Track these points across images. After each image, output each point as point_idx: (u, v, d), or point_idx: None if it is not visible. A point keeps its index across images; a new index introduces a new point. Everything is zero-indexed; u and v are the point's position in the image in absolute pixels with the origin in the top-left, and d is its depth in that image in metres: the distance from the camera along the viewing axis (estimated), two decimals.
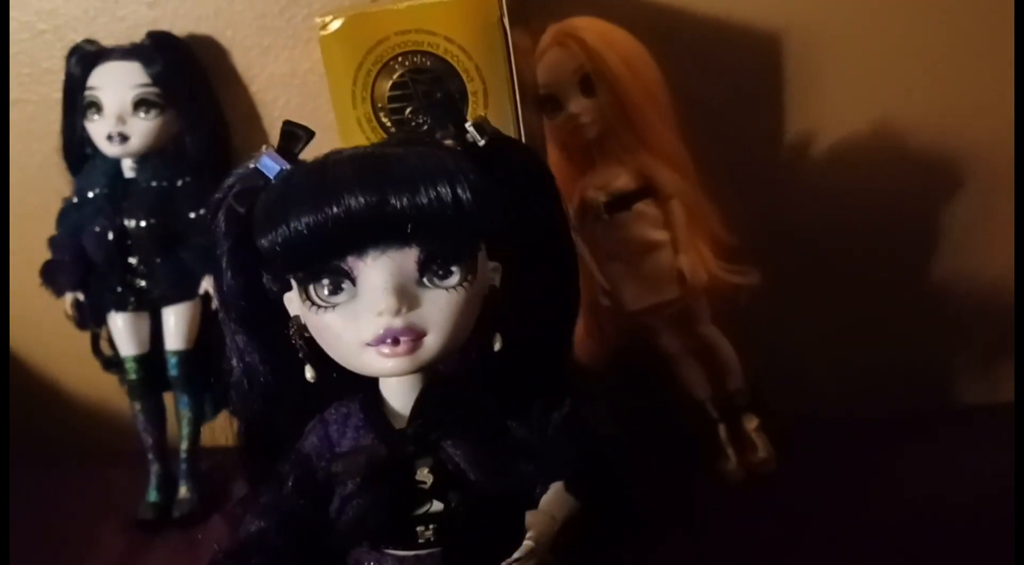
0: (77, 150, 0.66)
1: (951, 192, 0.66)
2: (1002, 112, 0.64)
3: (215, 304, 0.64)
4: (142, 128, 0.63)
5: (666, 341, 0.64)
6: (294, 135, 0.37)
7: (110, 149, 0.63)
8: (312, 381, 0.37)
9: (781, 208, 0.66)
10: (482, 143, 0.37)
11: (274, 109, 0.68)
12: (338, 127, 0.47)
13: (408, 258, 0.34)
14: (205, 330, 0.66)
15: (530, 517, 0.35)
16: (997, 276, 0.67)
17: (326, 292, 0.35)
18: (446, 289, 0.35)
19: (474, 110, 0.47)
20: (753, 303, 0.62)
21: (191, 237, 0.64)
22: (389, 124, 0.47)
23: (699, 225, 0.61)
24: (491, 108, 0.47)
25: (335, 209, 0.33)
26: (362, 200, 0.33)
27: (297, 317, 0.36)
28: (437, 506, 0.36)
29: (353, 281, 0.34)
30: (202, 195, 0.64)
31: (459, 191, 0.34)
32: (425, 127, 0.47)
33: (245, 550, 0.37)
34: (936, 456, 0.62)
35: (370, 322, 0.34)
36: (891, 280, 0.68)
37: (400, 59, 0.46)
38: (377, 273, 0.34)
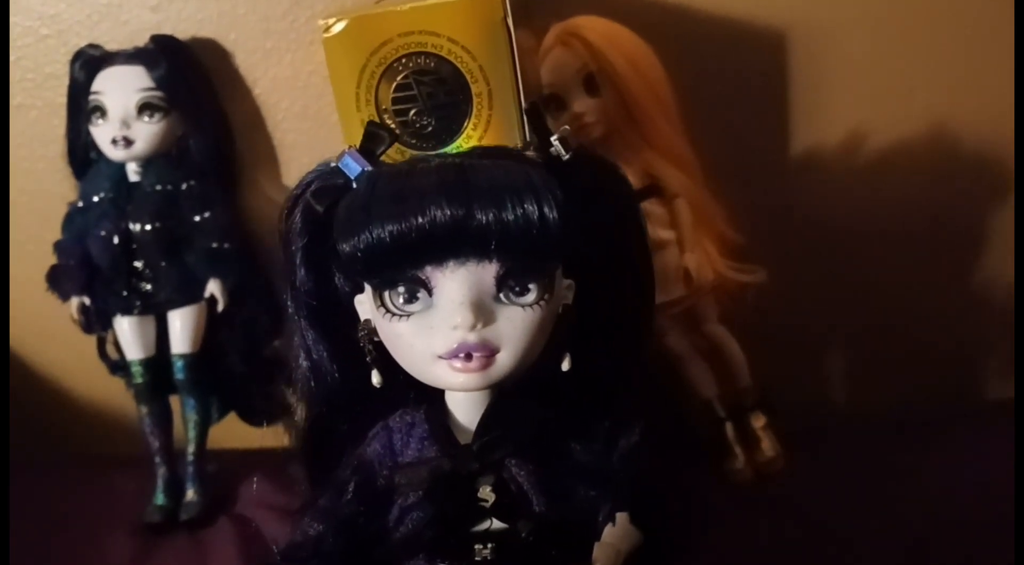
0: (82, 155, 0.66)
1: (957, 190, 0.66)
2: (1006, 111, 0.63)
3: (220, 307, 0.65)
4: (146, 132, 0.63)
5: (673, 340, 0.63)
6: (377, 136, 0.37)
7: (115, 153, 0.63)
8: (379, 387, 0.36)
9: (787, 206, 0.66)
10: (566, 157, 0.36)
11: (278, 112, 0.68)
12: (343, 130, 0.47)
13: (487, 272, 0.34)
14: (211, 333, 0.66)
15: (597, 550, 0.34)
16: (1002, 273, 0.67)
17: (401, 300, 0.34)
18: (522, 306, 0.34)
19: (479, 112, 0.46)
20: (760, 301, 0.62)
21: (196, 240, 0.64)
22: (394, 126, 0.47)
23: (705, 224, 0.61)
24: (495, 109, 0.46)
25: (419, 219, 0.32)
26: (448, 212, 0.32)
27: (368, 321, 0.36)
28: (497, 525, 0.35)
29: (429, 291, 0.34)
30: (206, 198, 0.64)
31: (545, 209, 0.33)
32: (430, 129, 0.47)
33: (301, 553, 0.36)
34: (945, 453, 0.62)
35: (444, 335, 0.34)
36: (897, 277, 0.68)
37: (404, 61, 0.46)
38: (455, 286, 0.34)
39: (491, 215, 0.33)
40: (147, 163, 0.64)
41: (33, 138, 0.70)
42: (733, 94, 0.64)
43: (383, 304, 0.35)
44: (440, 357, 0.34)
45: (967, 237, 0.67)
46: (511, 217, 0.33)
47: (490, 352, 0.34)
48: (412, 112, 0.47)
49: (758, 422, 0.63)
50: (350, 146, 0.36)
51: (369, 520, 0.36)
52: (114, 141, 0.62)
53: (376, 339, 0.36)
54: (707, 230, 0.61)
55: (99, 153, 0.64)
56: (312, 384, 0.38)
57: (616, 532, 0.35)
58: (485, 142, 0.47)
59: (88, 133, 0.64)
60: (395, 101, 0.47)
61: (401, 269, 0.34)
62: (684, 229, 0.60)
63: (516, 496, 0.35)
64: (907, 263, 0.68)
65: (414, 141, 0.47)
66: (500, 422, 0.36)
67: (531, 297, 0.34)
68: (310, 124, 0.67)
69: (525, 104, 0.38)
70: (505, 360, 0.34)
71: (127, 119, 0.62)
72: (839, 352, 0.70)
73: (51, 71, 0.68)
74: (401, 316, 0.34)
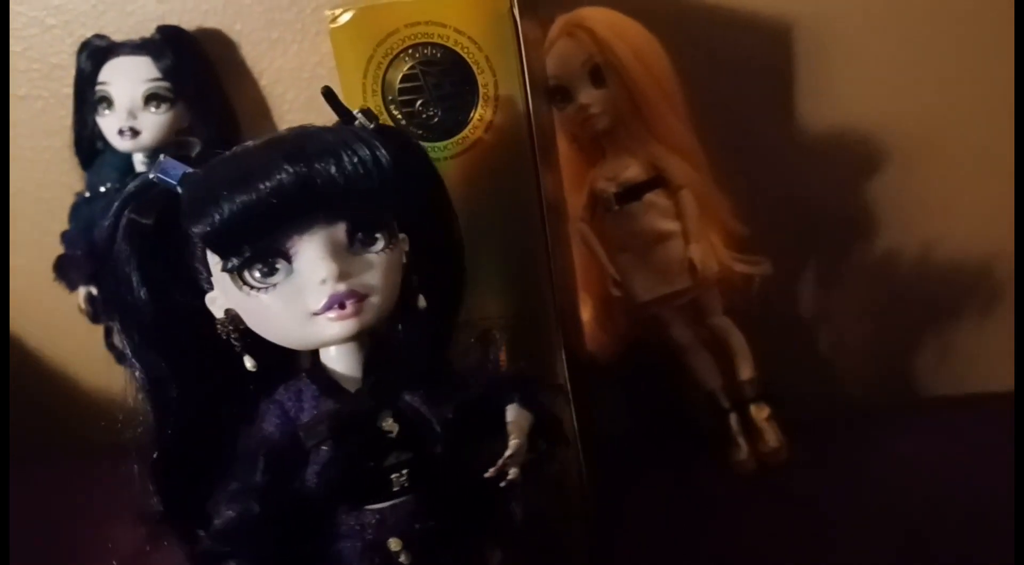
0: (88, 145, 0.66)
1: (962, 183, 0.66)
2: (1010, 105, 0.63)
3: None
4: (153, 122, 0.63)
5: (677, 332, 0.64)
6: (187, 143, 0.38)
7: (121, 144, 0.63)
8: (254, 369, 0.38)
9: (792, 198, 0.66)
10: (371, 127, 0.38)
11: (283, 103, 0.68)
12: None
13: (337, 230, 0.36)
14: None
15: (510, 426, 0.39)
16: (1005, 266, 0.67)
17: (260, 274, 0.36)
18: (375, 254, 0.37)
19: (484, 102, 0.46)
20: (764, 293, 0.62)
21: None
22: (400, 116, 0.47)
23: (710, 215, 0.61)
24: (501, 99, 0.46)
25: (267, 184, 0.34)
26: (291, 172, 0.34)
27: (228, 311, 0.37)
28: (406, 454, 0.38)
29: (288, 259, 0.36)
30: None
31: (378, 153, 0.36)
32: (436, 120, 0.47)
33: (236, 535, 0.37)
34: (947, 443, 0.62)
35: (315, 292, 0.36)
36: (901, 269, 0.68)
37: (410, 51, 0.46)
38: (313, 245, 0.36)
39: (332, 168, 0.35)
40: (153, 153, 0.64)
41: (39, 129, 0.70)
42: (739, 86, 0.64)
43: (245, 283, 0.36)
44: (315, 314, 0.36)
45: (970, 229, 0.67)
46: (350, 167, 0.35)
47: (359, 297, 0.36)
48: (418, 103, 0.47)
49: (762, 413, 0.63)
50: (163, 155, 0.37)
51: (285, 488, 0.37)
52: (120, 132, 0.62)
53: (242, 326, 0.37)
54: (712, 221, 0.61)
55: (106, 143, 0.65)
56: (158, 402, 0.39)
57: (513, 417, 0.40)
58: (490, 133, 0.47)
59: (94, 123, 0.64)
60: (401, 92, 0.47)
61: (259, 239, 0.35)
62: (689, 220, 0.60)
63: (416, 422, 0.38)
64: (910, 255, 0.68)
65: (421, 132, 0.47)
66: (384, 362, 0.39)
67: (380, 245, 0.37)
68: (316, 115, 0.65)
69: (322, 88, 0.40)
70: (374, 302, 0.37)
71: (133, 109, 0.63)
72: (843, 343, 0.70)
73: (57, 62, 0.68)
74: (265, 289, 0.36)
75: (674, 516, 0.59)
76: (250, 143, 0.37)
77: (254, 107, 0.68)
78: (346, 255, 0.36)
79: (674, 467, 0.64)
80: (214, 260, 0.36)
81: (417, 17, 0.46)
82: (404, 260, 0.38)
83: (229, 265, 0.36)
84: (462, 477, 0.38)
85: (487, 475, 0.38)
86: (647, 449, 0.66)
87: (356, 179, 0.35)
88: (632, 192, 0.60)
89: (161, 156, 0.37)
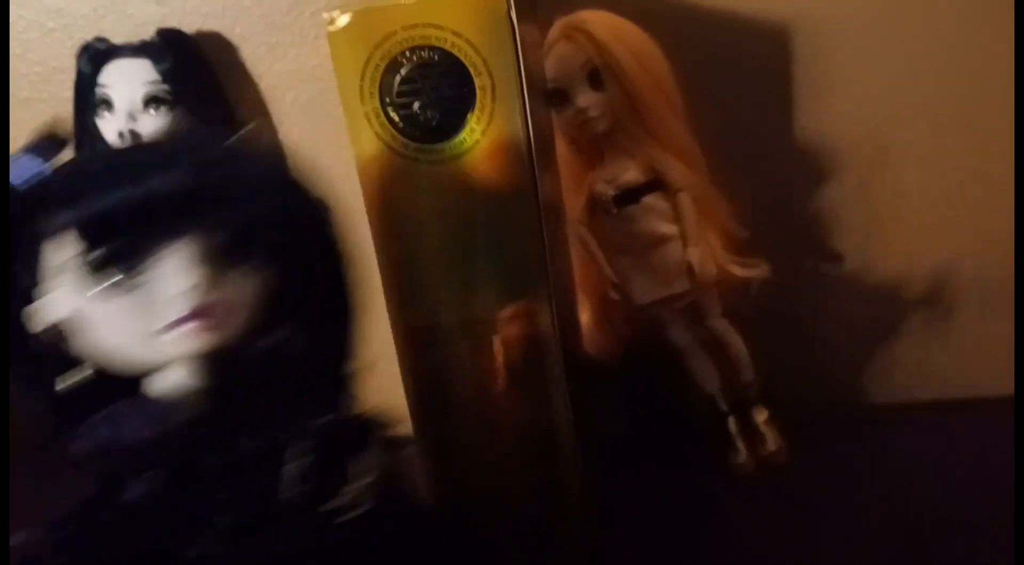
0: (88, 148, 0.66)
1: (960, 184, 0.66)
2: (1009, 106, 0.63)
3: None
4: (152, 125, 0.63)
5: (676, 334, 0.64)
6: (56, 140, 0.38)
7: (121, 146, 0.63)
8: (92, 377, 0.36)
9: (790, 200, 0.66)
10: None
11: (282, 105, 0.68)
12: (346, 122, 0.47)
13: (206, 241, 0.34)
14: None
15: (357, 470, 0.37)
16: (1004, 265, 0.67)
17: (120, 273, 0.34)
18: (246, 272, 0.35)
19: (482, 104, 0.47)
20: (763, 295, 0.62)
21: None
22: (397, 119, 0.47)
23: (709, 218, 0.61)
24: (499, 102, 0.46)
25: (146, 186, 0.33)
26: (171, 179, 0.33)
27: (60, 319, 0.35)
28: (234, 491, 0.35)
29: (152, 263, 0.34)
30: None
31: (278, 172, 0.36)
32: (434, 122, 0.47)
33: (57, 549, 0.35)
34: (947, 443, 0.63)
35: (172, 303, 0.34)
36: (900, 271, 0.68)
37: (408, 54, 0.46)
38: (179, 255, 0.34)
39: (217, 175, 0.34)
40: None
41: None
42: (738, 88, 0.64)
43: (100, 284, 0.34)
44: (168, 326, 0.34)
45: (969, 230, 0.67)
46: (248, 178, 0.34)
47: (221, 312, 0.35)
48: (416, 105, 0.47)
49: (760, 415, 0.63)
50: (21, 152, 0.37)
51: (107, 511, 0.35)
52: (120, 134, 0.63)
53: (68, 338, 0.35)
54: (711, 224, 0.62)
55: (106, 146, 0.65)
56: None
57: (360, 460, 0.37)
58: (488, 136, 0.47)
59: (95, 126, 0.64)
60: (399, 94, 0.47)
61: (133, 234, 0.33)
62: (687, 223, 0.60)
63: (256, 457, 0.36)
64: (909, 255, 0.68)
65: (418, 134, 0.47)
66: (230, 391, 0.36)
67: (254, 262, 0.35)
68: (314, 117, 0.67)
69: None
70: (232, 321, 0.35)
71: (133, 112, 0.63)
72: (842, 344, 0.70)
73: (57, 65, 0.69)
74: (119, 294, 0.34)
75: (673, 516, 0.59)
76: (131, 144, 0.36)
77: (253, 110, 0.68)
78: (215, 268, 0.34)
79: (673, 467, 0.64)
80: (67, 255, 0.34)
81: (415, 20, 0.46)
82: (275, 284, 0.36)
83: (91, 257, 0.33)
84: (297, 519, 0.35)
85: (334, 511, 0.35)
86: (646, 450, 0.66)
87: (235, 190, 0.34)
88: (631, 195, 0.60)
89: (20, 152, 0.36)
